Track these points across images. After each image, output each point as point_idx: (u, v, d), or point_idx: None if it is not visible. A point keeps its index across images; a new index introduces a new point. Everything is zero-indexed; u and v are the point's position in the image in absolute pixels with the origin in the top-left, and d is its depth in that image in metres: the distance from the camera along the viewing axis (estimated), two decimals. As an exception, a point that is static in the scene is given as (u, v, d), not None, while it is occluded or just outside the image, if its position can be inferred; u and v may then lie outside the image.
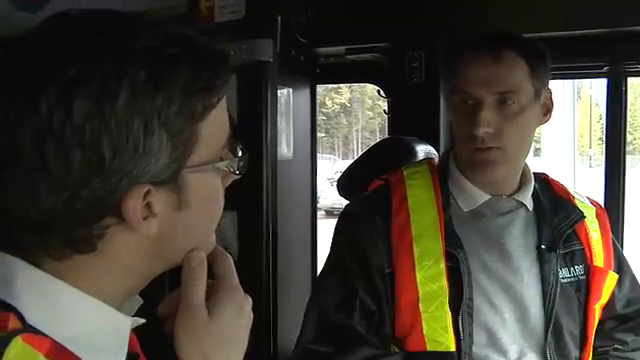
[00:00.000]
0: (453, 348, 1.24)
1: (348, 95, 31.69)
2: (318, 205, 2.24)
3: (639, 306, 1.42)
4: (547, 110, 1.31)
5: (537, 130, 1.36)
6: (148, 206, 0.59)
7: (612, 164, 1.80)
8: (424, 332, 1.24)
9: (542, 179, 1.42)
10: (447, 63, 1.36)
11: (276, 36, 1.75)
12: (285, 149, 1.87)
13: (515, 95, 1.23)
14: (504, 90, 1.23)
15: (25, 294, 0.58)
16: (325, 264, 1.38)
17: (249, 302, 0.70)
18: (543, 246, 1.31)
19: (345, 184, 1.72)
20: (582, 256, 1.35)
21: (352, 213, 1.39)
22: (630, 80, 1.77)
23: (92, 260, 0.60)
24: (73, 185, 0.55)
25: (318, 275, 1.43)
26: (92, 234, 0.58)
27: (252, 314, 0.70)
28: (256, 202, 1.74)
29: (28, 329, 0.56)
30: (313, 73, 2.03)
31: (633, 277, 1.44)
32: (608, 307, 1.39)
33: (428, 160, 1.47)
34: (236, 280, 0.69)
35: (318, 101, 2.17)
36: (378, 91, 2.06)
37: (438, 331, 1.24)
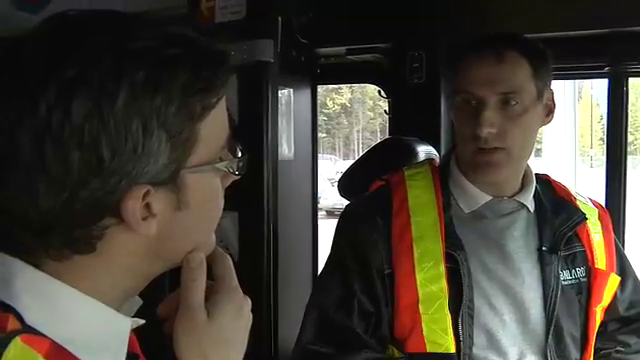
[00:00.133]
0: (453, 350, 1.24)
1: (349, 95, 31.72)
2: (319, 205, 2.24)
3: (642, 308, 1.42)
4: (549, 111, 1.31)
5: (538, 131, 1.36)
6: (147, 206, 0.58)
7: (613, 164, 1.80)
8: (424, 334, 1.24)
9: (544, 180, 1.42)
10: (449, 63, 1.36)
11: (277, 36, 1.75)
12: (286, 149, 1.87)
13: (518, 95, 1.23)
14: (507, 90, 1.22)
15: (24, 295, 0.58)
16: (326, 264, 1.38)
17: (248, 303, 0.70)
18: (544, 248, 1.31)
19: (346, 184, 1.72)
20: (583, 258, 1.34)
21: (353, 213, 1.39)
22: (631, 80, 1.78)
23: (91, 260, 0.59)
24: (72, 186, 0.55)
25: (319, 274, 1.43)
26: (91, 234, 0.58)
27: (251, 315, 0.70)
28: (257, 202, 1.74)
29: (27, 330, 0.56)
30: (314, 73, 2.03)
31: (636, 279, 1.43)
32: (611, 309, 1.38)
33: (429, 161, 1.47)
34: (235, 281, 0.69)
35: (319, 101, 2.17)
36: (379, 91, 2.06)
37: (438, 333, 1.24)
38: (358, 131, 33.15)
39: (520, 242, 1.32)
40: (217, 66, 0.61)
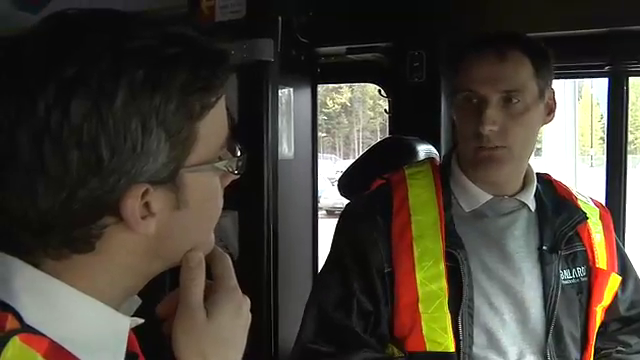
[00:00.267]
0: (452, 349, 1.23)
1: (349, 95, 31.73)
2: (319, 205, 2.24)
3: (643, 308, 1.42)
4: (550, 110, 1.31)
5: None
6: (146, 205, 0.58)
7: (613, 164, 1.80)
8: (423, 333, 1.24)
9: (545, 180, 1.42)
10: (450, 62, 1.36)
11: (277, 36, 1.75)
12: (286, 149, 1.87)
13: (520, 94, 1.23)
14: (509, 89, 1.22)
15: (23, 294, 0.58)
16: (326, 262, 1.38)
17: (247, 302, 0.69)
18: (545, 247, 1.31)
19: (346, 184, 1.72)
20: (584, 258, 1.34)
21: (353, 212, 1.39)
22: (631, 80, 1.78)
23: (90, 260, 0.59)
24: (71, 185, 0.55)
25: (319, 272, 1.43)
26: (91, 234, 0.58)
27: (250, 314, 0.70)
28: (257, 202, 1.74)
29: (26, 329, 0.56)
30: (314, 73, 2.03)
31: (637, 279, 1.43)
32: (611, 309, 1.38)
33: (430, 160, 1.46)
34: (234, 280, 0.69)
35: (319, 101, 2.17)
36: (379, 91, 2.06)
37: (437, 332, 1.24)
38: (358, 130, 33.15)
39: (521, 241, 1.32)
40: (216, 65, 0.61)
